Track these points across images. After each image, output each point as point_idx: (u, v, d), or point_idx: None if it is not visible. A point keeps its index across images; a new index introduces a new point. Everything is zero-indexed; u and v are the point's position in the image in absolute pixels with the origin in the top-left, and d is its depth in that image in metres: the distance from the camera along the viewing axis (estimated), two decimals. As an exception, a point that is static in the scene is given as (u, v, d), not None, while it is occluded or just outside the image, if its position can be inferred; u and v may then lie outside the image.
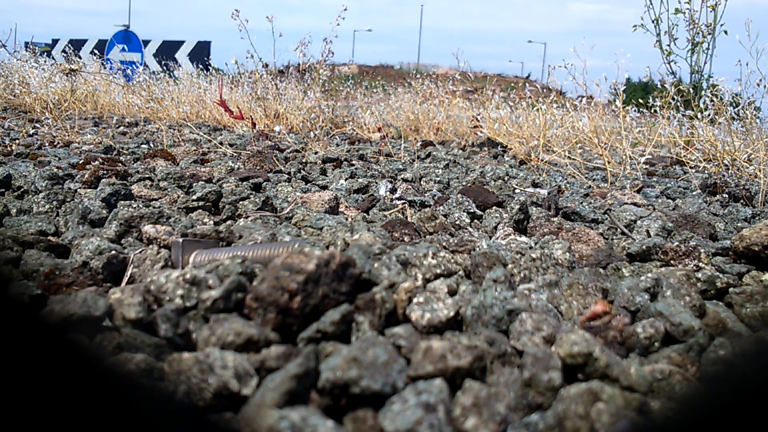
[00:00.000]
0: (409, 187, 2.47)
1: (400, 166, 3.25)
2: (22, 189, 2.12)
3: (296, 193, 2.21)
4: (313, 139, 4.14)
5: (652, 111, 4.60)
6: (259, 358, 0.85)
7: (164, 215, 1.71)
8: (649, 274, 1.20)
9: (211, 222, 1.86)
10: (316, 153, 3.61)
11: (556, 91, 4.93)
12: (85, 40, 16.05)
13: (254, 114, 5.30)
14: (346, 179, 2.68)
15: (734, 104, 3.94)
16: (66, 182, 2.23)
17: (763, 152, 3.17)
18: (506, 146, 4.63)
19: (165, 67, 10.41)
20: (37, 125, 4.10)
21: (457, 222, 1.94)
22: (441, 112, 6.22)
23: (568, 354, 0.84)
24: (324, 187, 2.52)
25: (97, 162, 2.59)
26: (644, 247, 1.61)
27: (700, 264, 1.54)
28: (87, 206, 1.75)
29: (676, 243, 1.61)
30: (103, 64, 9.18)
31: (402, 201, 2.22)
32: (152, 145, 3.68)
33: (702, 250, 1.58)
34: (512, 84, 9.46)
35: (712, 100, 3.83)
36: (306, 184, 2.54)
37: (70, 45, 10.82)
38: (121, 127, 4.90)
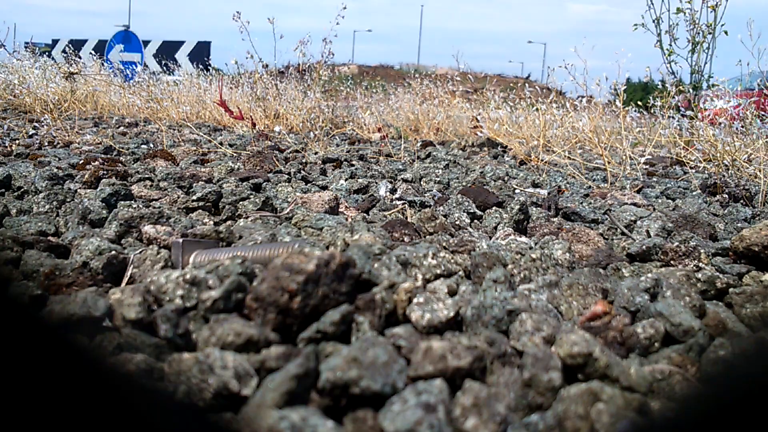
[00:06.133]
0: (409, 187, 2.47)
1: (400, 167, 3.25)
2: (22, 189, 2.12)
3: (296, 194, 2.21)
4: (313, 140, 4.14)
5: (652, 111, 4.60)
6: (259, 359, 0.85)
7: (164, 215, 1.71)
8: (649, 275, 1.20)
9: (211, 222, 1.86)
10: (316, 153, 3.61)
11: (556, 91, 4.93)
12: (85, 41, 16.05)
13: (254, 114, 5.30)
14: (346, 179, 2.68)
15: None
16: (66, 182, 2.23)
17: (763, 152, 3.18)
18: (506, 146, 4.63)
19: (165, 67, 10.41)
20: (37, 125, 4.10)
21: (457, 222, 1.94)
22: (441, 112, 6.22)
23: (568, 354, 0.83)
24: (324, 188, 2.52)
25: (97, 162, 2.59)
26: (644, 247, 1.61)
27: (700, 264, 1.54)
28: (87, 206, 1.75)
29: (676, 243, 1.61)
30: (102, 64, 9.17)
31: (402, 201, 2.22)
32: (152, 146, 3.68)
33: (702, 251, 1.58)
34: (512, 84, 9.46)
35: (712, 100, 3.83)
36: (306, 185, 2.54)
37: (70, 45, 10.80)
38: (121, 128, 4.90)
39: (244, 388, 0.79)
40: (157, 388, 0.75)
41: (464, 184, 2.78)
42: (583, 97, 4.27)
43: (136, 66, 10.70)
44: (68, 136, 3.80)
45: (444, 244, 1.52)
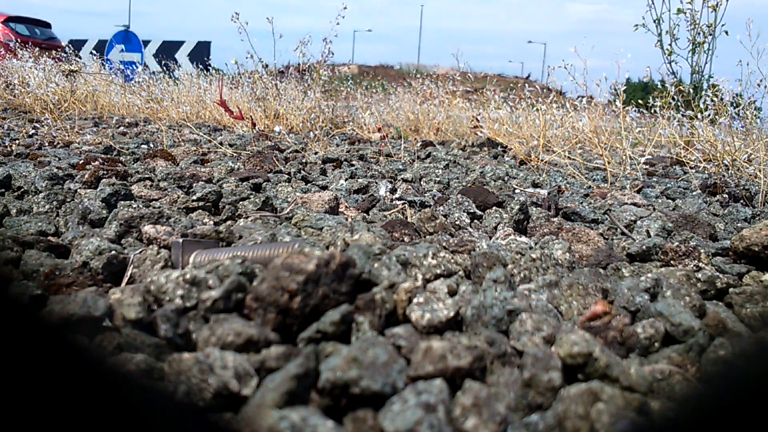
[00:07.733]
0: (409, 187, 2.47)
1: (400, 167, 3.25)
2: (22, 189, 2.12)
3: (296, 194, 2.21)
4: (313, 140, 4.14)
5: (652, 111, 4.61)
6: (259, 359, 0.85)
7: (164, 215, 1.71)
8: (649, 275, 1.20)
9: (211, 222, 1.86)
10: (316, 153, 3.61)
11: (556, 91, 4.93)
12: (85, 41, 16.06)
13: (254, 114, 5.30)
14: (346, 179, 2.68)
15: (735, 104, 3.95)
16: (66, 182, 2.23)
17: (763, 152, 3.18)
18: (506, 146, 4.63)
19: (165, 67, 10.41)
20: (37, 125, 4.10)
21: (457, 222, 1.94)
22: (441, 112, 6.22)
23: (568, 354, 0.83)
24: (324, 188, 2.52)
25: (97, 162, 2.59)
26: (644, 247, 1.61)
27: (700, 264, 1.54)
28: (87, 206, 1.75)
29: (676, 243, 1.61)
30: (102, 64, 9.18)
31: (402, 201, 2.22)
32: (152, 146, 3.68)
33: (702, 250, 1.58)
34: (512, 84, 9.46)
35: (712, 100, 3.84)
36: (306, 185, 2.54)
37: (70, 45, 10.80)
38: (121, 128, 4.90)
39: (244, 388, 0.79)
40: (157, 388, 0.75)
41: (464, 184, 2.78)
42: (583, 97, 4.27)
43: (136, 66, 10.69)
44: (68, 136, 3.80)
45: (444, 244, 1.52)
